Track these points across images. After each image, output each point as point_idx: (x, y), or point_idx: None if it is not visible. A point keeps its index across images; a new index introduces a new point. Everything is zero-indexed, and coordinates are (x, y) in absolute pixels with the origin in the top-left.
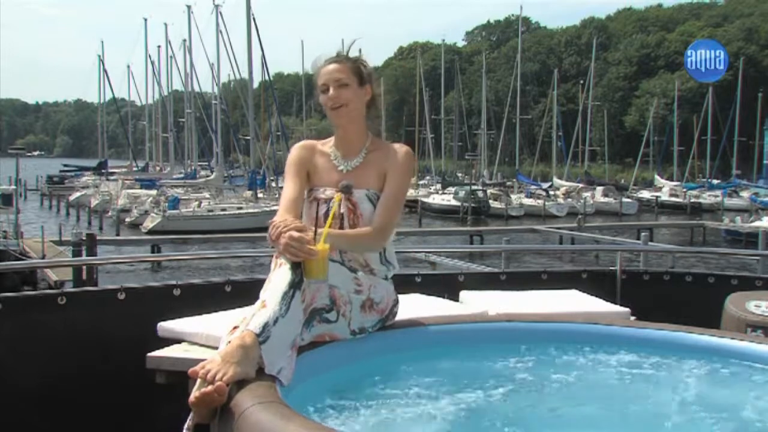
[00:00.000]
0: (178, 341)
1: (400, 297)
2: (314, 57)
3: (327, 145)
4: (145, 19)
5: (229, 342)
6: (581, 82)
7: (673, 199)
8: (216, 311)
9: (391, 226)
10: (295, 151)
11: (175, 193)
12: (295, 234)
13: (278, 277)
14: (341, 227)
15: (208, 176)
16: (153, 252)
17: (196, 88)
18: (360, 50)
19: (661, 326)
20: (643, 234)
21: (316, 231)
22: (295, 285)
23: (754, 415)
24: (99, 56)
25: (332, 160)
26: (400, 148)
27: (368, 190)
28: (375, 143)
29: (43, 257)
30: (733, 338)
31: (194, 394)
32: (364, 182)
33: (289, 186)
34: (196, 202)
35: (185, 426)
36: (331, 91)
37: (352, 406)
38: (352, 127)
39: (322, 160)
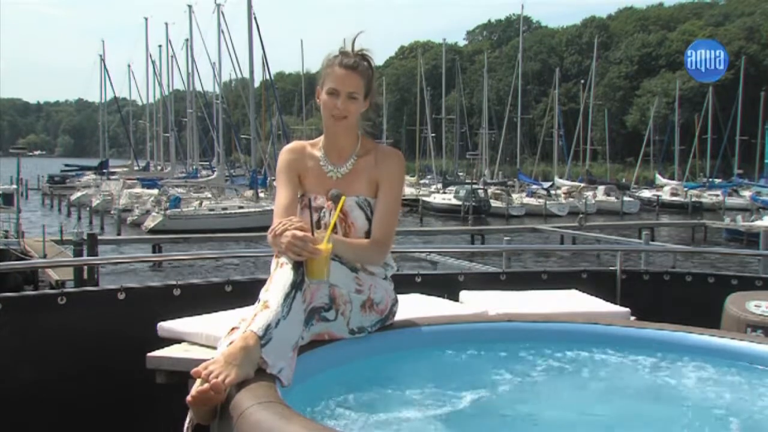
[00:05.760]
0: (178, 341)
1: (400, 297)
2: (328, 51)
3: (316, 147)
4: (146, 19)
5: (231, 342)
6: (582, 81)
7: (674, 198)
8: (216, 311)
9: (390, 239)
10: (285, 155)
11: (177, 192)
12: (299, 233)
13: (280, 277)
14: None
15: (209, 176)
16: (154, 252)
17: (198, 88)
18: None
19: (661, 326)
20: (644, 233)
21: (313, 232)
22: (296, 285)
23: (754, 415)
24: (100, 56)
25: (321, 165)
26: (390, 154)
27: (359, 197)
28: (365, 146)
29: (45, 257)
30: (733, 338)
31: (191, 392)
32: (354, 189)
33: (281, 193)
34: (198, 202)
35: (184, 429)
36: (341, 101)
37: (352, 405)
38: (345, 135)
39: (312, 164)
